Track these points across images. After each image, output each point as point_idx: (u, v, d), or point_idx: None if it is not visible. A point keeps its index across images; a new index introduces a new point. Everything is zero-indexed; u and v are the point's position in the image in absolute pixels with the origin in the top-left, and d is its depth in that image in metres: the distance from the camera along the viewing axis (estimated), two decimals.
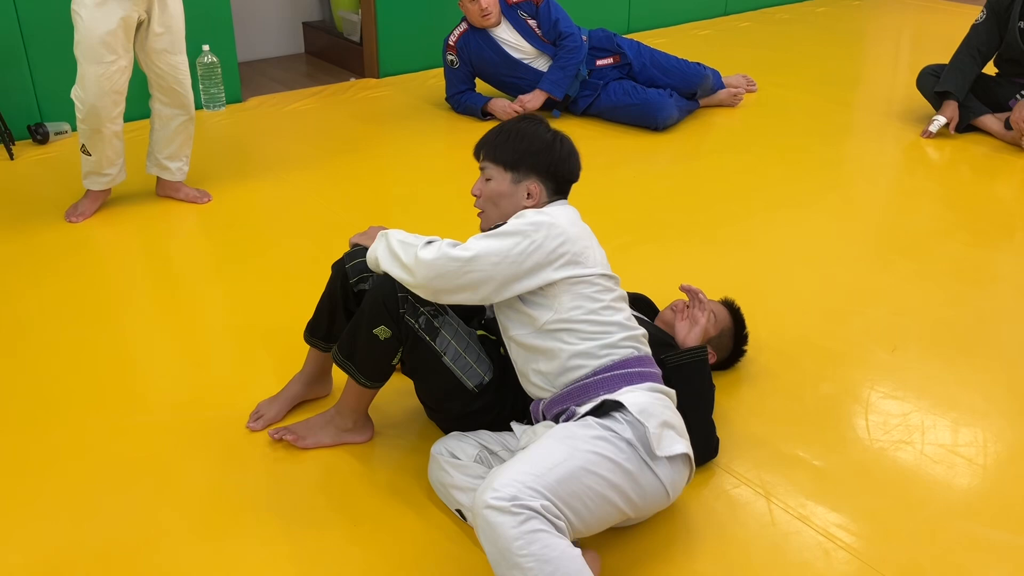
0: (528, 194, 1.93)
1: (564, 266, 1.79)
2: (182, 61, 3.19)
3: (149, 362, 2.49)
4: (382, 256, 1.88)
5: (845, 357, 2.47)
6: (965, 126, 4.14)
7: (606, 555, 1.78)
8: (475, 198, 2.00)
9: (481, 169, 1.99)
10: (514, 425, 1.93)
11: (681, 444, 1.72)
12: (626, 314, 1.87)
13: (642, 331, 1.88)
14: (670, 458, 1.70)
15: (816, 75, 5.02)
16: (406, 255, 1.83)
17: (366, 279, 2.00)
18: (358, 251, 2.02)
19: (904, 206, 3.52)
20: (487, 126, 4.27)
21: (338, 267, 2.04)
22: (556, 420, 1.79)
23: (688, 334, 2.16)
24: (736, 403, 2.26)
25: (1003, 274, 2.96)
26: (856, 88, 4.94)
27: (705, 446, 1.98)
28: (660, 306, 2.40)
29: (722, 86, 4.48)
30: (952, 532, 1.86)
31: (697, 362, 2.07)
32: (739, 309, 2.34)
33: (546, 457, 1.59)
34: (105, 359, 2.46)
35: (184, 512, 1.93)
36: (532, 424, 1.89)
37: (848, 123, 4.38)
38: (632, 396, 1.72)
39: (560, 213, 1.87)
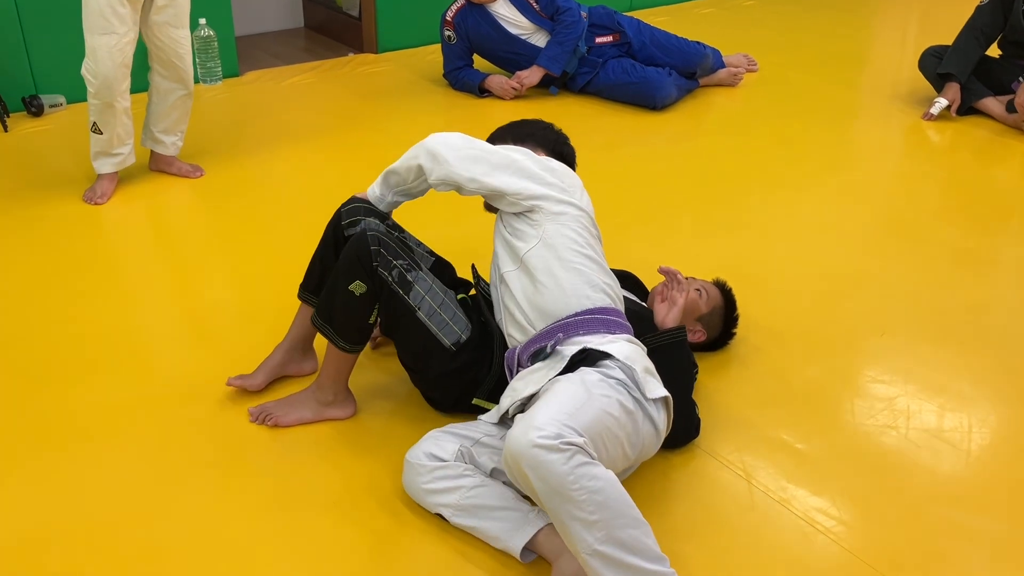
0: None
1: (555, 188, 1.92)
2: (184, 36, 3.17)
3: (148, 334, 2.48)
4: (392, 169, 2.02)
5: (834, 340, 2.46)
6: (967, 109, 4.10)
7: None
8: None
9: None
10: (483, 417, 1.92)
11: (662, 388, 1.78)
12: (605, 265, 1.95)
13: (617, 283, 1.95)
14: (655, 401, 1.75)
15: (819, 55, 4.97)
16: (416, 151, 1.96)
17: (356, 223, 2.04)
18: (356, 197, 2.11)
19: (902, 190, 3.49)
20: (485, 103, 4.32)
21: (335, 215, 2.10)
22: (533, 360, 1.82)
23: (667, 315, 2.16)
24: (721, 384, 2.25)
25: (998, 260, 2.94)
26: (860, 69, 4.90)
27: (686, 426, 1.98)
28: (648, 285, 2.39)
29: (722, 65, 4.44)
30: (932, 518, 1.86)
31: (676, 342, 2.07)
32: (731, 290, 2.33)
33: (572, 398, 1.62)
34: (102, 330, 2.46)
35: (178, 485, 1.93)
36: (508, 380, 1.90)
37: (849, 104, 4.34)
38: (615, 346, 1.77)
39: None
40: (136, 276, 2.83)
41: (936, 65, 4.13)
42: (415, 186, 2.02)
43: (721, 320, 2.31)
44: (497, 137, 2.15)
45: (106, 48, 2.93)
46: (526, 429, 1.52)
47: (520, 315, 1.88)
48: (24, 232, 2.99)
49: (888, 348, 2.43)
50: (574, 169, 2.16)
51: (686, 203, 3.28)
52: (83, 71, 3.00)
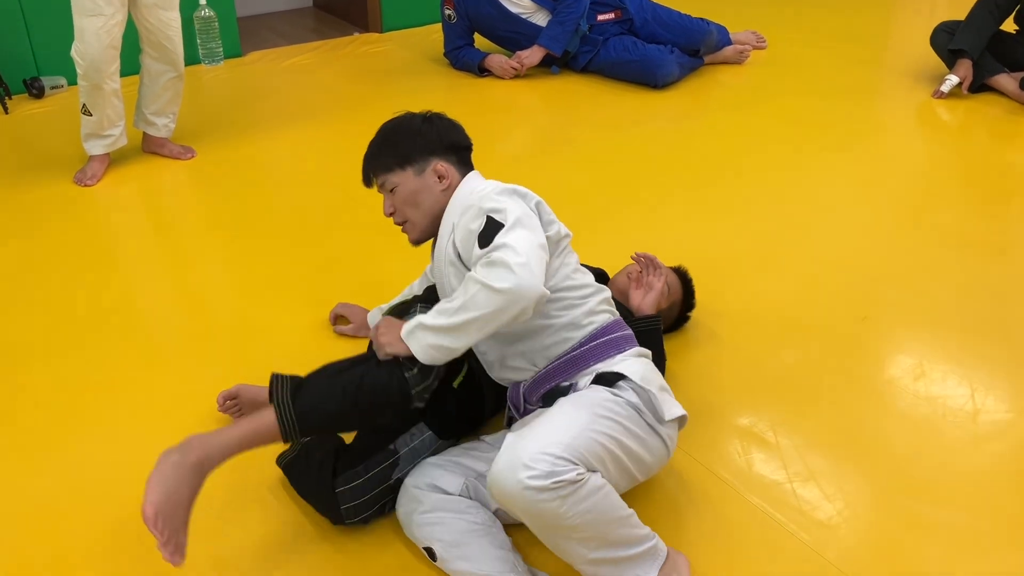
0: (439, 176, 1.78)
1: (547, 224, 1.69)
2: (173, 17, 3.17)
3: (140, 313, 2.49)
4: (451, 338, 1.58)
5: (812, 325, 2.40)
6: (979, 86, 3.99)
7: None
8: (391, 219, 1.83)
9: (381, 190, 1.82)
10: (485, 438, 1.84)
11: (679, 407, 1.70)
12: (590, 276, 1.81)
13: (608, 292, 1.82)
14: (670, 422, 1.69)
15: (830, 32, 4.86)
16: (478, 303, 1.54)
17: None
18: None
19: (906, 170, 3.40)
20: (484, 82, 4.28)
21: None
22: (545, 400, 1.70)
23: (643, 300, 2.12)
24: (691, 369, 2.21)
25: (995, 242, 2.85)
26: (871, 46, 4.78)
27: None
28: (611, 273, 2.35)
29: (729, 42, 4.36)
30: (896, 510, 1.81)
31: (651, 330, 2.03)
32: (690, 280, 2.29)
33: (571, 424, 1.52)
34: (92, 310, 2.47)
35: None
36: (509, 412, 1.81)
37: (859, 82, 4.24)
38: (628, 365, 1.68)
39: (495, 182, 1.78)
40: (124, 255, 2.84)
41: (948, 41, 4.02)
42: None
43: (679, 309, 2.29)
44: (379, 166, 1.80)
45: (93, 30, 2.93)
46: (514, 467, 1.42)
47: (517, 360, 1.73)
48: (14, 212, 3.01)
49: (866, 333, 2.37)
50: (471, 145, 1.86)
51: (681, 183, 3.23)
52: (72, 52, 3.01)
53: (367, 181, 1.85)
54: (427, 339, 1.58)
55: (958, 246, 2.80)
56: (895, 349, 2.32)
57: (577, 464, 1.45)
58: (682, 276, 2.28)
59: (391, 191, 1.80)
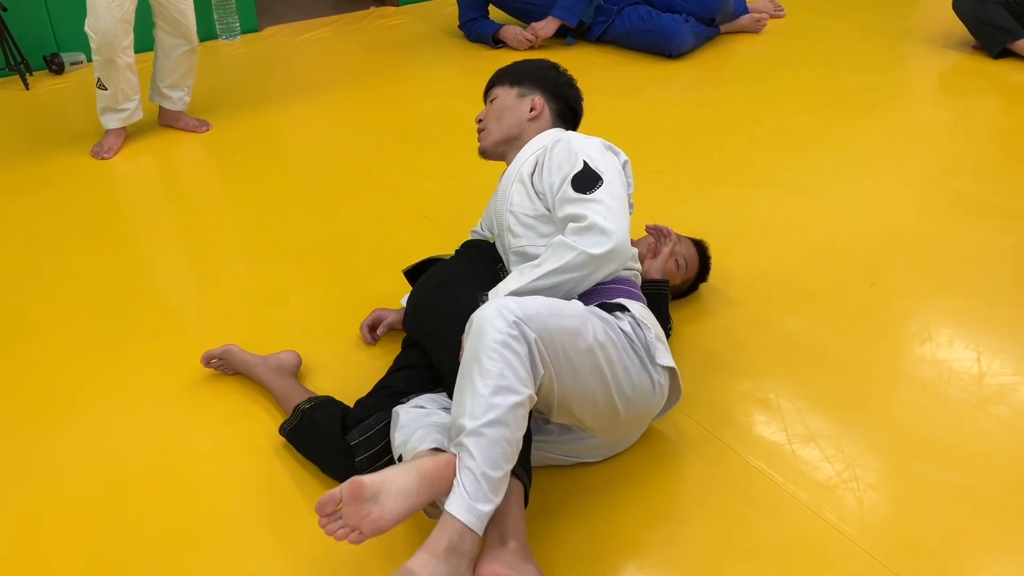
0: (532, 107, 1.98)
1: (629, 184, 1.82)
2: None
3: (156, 283, 2.52)
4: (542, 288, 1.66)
5: (821, 291, 2.39)
6: (1001, 51, 3.92)
7: (546, 491, 1.78)
8: (477, 124, 2.02)
9: (488, 103, 2.03)
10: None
11: (670, 359, 1.70)
12: None
13: (636, 252, 1.86)
14: (660, 367, 1.69)
15: (851, 0, 4.79)
16: (573, 266, 1.65)
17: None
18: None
19: (921, 138, 3.36)
20: (499, 54, 4.28)
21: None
22: None
23: (651, 266, 2.13)
24: (698, 333, 2.22)
25: (1007, 209, 2.81)
26: (893, 15, 4.71)
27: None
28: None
29: (745, 11, 4.32)
30: (897, 471, 1.81)
31: (658, 295, 2.04)
32: (709, 256, 2.29)
33: (557, 305, 1.53)
34: (110, 281, 2.52)
35: (192, 432, 1.96)
36: None
37: (878, 51, 4.18)
38: (630, 303, 1.72)
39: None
40: (140, 227, 2.88)
41: (972, 7, 3.95)
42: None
43: (694, 280, 2.29)
44: (497, 79, 2.05)
45: (105, 4, 2.97)
46: (490, 302, 1.49)
47: None
48: (33, 185, 3.06)
49: (875, 299, 2.36)
50: (581, 113, 2.07)
51: (696, 152, 3.22)
52: (86, 27, 3.05)
53: (485, 95, 2.07)
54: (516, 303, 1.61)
55: (972, 213, 2.77)
56: (902, 314, 2.31)
57: (540, 341, 1.46)
58: (701, 251, 2.28)
59: (491, 101, 2.02)
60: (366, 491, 1.37)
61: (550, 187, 1.78)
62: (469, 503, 1.40)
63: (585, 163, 1.73)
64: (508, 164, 1.98)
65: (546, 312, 1.51)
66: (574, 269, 1.65)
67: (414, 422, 1.62)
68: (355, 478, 1.38)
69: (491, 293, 1.70)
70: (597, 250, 1.63)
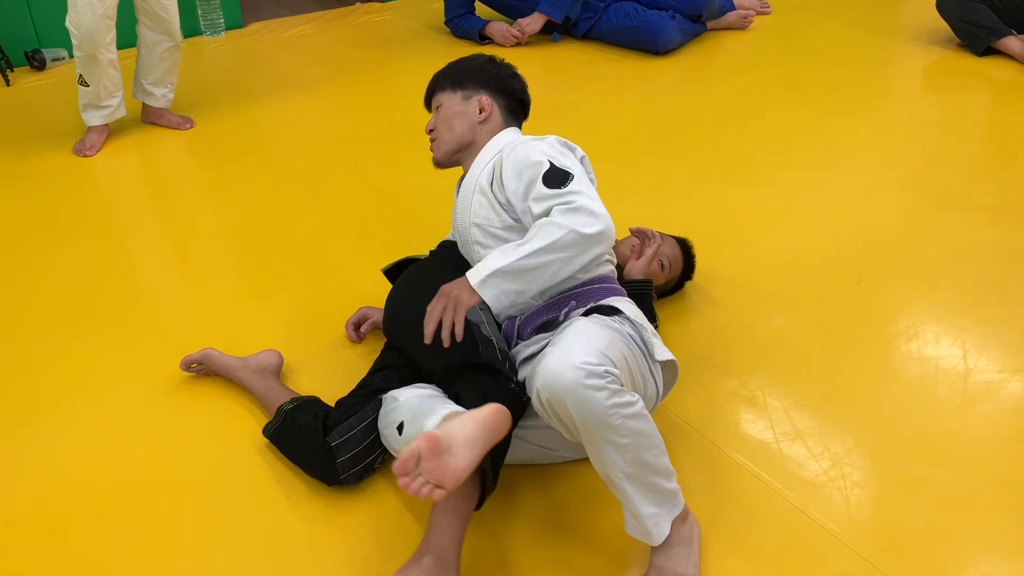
0: (480, 108, 1.92)
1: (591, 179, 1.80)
2: None
3: (137, 281, 2.50)
4: (527, 273, 1.63)
5: (808, 289, 2.39)
6: (986, 49, 3.93)
7: (525, 489, 1.77)
8: (429, 135, 1.97)
9: (433, 110, 1.98)
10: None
11: (669, 352, 1.71)
12: None
13: (612, 249, 1.87)
14: (659, 363, 1.69)
15: None
16: (562, 245, 1.61)
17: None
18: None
19: (907, 135, 3.36)
20: (486, 50, 4.25)
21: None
22: (541, 330, 1.73)
23: (633, 266, 2.12)
24: (685, 332, 2.21)
25: (992, 206, 2.82)
26: (880, 12, 4.71)
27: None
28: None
29: (732, 8, 4.31)
30: (883, 469, 1.81)
31: (641, 295, 2.03)
32: (693, 255, 2.29)
33: (599, 335, 1.50)
34: (91, 280, 2.49)
35: (173, 431, 1.94)
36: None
37: (865, 48, 4.19)
38: (622, 305, 1.71)
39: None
40: (122, 225, 2.85)
41: (955, 7, 3.96)
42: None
43: (677, 280, 2.28)
44: (437, 85, 1.97)
45: (86, 0, 2.93)
46: (569, 354, 1.41)
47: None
48: (14, 182, 3.03)
49: (860, 296, 2.36)
50: (529, 103, 2.02)
51: (682, 149, 3.21)
52: (67, 23, 3.01)
53: (427, 102, 2.00)
54: (503, 285, 1.64)
55: (958, 209, 2.78)
56: (889, 312, 2.31)
57: (616, 367, 1.45)
58: (685, 250, 2.27)
59: (437, 108, 1.95)
60: (441, 443, 1.36)
61: (514, 193, 1.74)
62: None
63: (551, 163, 1.70)
64: (465, 171, 1.94)
65: (603, 345, 1.48)
66: (562, 249, 1.61)
67: (418, 399, 1.63)
68: (428, 432, 1.37)
69: (471, 272, 1.66)
70: (588, 230, 1.61)
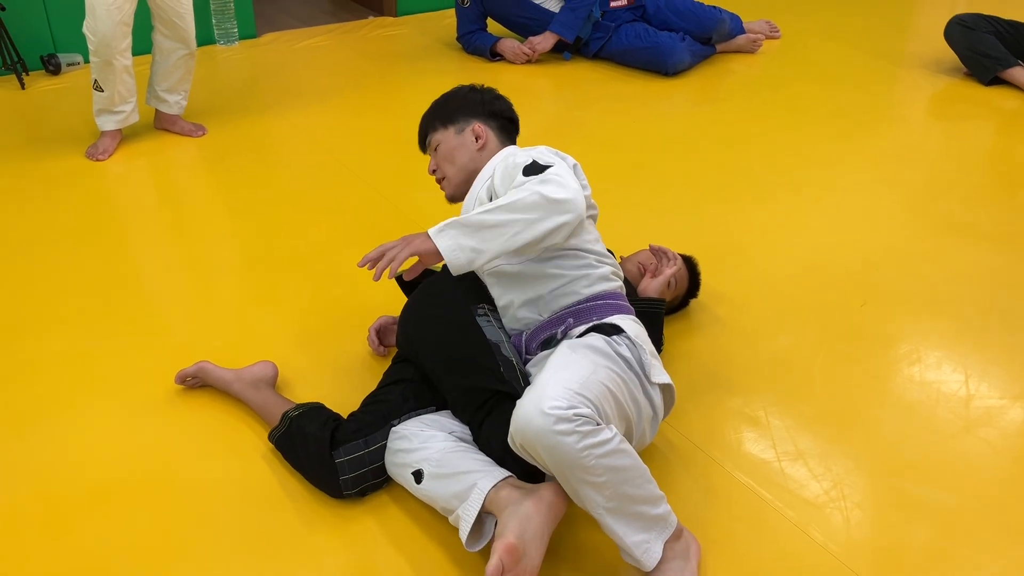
0: (476, 136, 1.96)
1: (583, 185, 1.82)
2: None
3: (147, 286, 2.52)
4: (487, 234, 1.63)
5: (812, 310, 2.41)
6: (992, 79, 3.97)
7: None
8: (433, 176, 2.02)
9: (430, 151, 2.02)
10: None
11: (666, 375, 1.72)
12: (604, 247, 1.90)
13: (619, 266, 1.90)
14: (657, 385, 1.70)
15: (847, 23, 4.84)
16: (524, 205, 1.62)
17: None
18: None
19: (912, 160, 3.39)
20: (495, 67, 4.30)
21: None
22: (544, 346, 1.76)
23: (649, 284, 2.14)
24: (689, 350, 2.23)
25: (996, 232, 2.84)
26: (889, 38, 4.75)
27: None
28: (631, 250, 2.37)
29: (742, 31, 4.35)
30: (883, 490, 1.82)
31: (653, 313, 2.04)
32: (698, 273, 2.31)
33: (577, 369, 1.53)
34: (100, 283, 2.51)
35: (182, 436, 1.95)
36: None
37: (873, 74, 4.22)
38: (624, 322, 1.73)
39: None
40: (132, 229, 2.88)
41: (962, 34, 4.00)
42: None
43: (683, 297, 2.30)
44: (428, 127, 2.00)
45: (104, 6, 2.97)
46: (539, 399, 1.44)
47: (525, 310, 1.80)
48: (27, 185, 3.05)
49: (864, 318, 2.37)
50: (517, 118, 2.05)
51: (689, 169, 3.23)
52: (84, 28, 3.05)
53: (422, 145, 2.04)
54: (460, 238, 1.63)
55: (962, 235, 2.80)
56: (892, 335, 2.32)
57: (591, 405, 1.48)
58: (691, 268, 2.30)
59: (435, 149, 1.99)
60: (519, 551, 1.45)
61: (501, 192, 1.79)
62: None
63: (533, 159, 1.74)
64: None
65: (582, 379, 1.51)
66: (525, 210, 1.62)
67: (439, 452, 1.67)
68: (507, 541, 1.45)
69: (432, 230, 1.66)
70: (553, 194, 1.61)
